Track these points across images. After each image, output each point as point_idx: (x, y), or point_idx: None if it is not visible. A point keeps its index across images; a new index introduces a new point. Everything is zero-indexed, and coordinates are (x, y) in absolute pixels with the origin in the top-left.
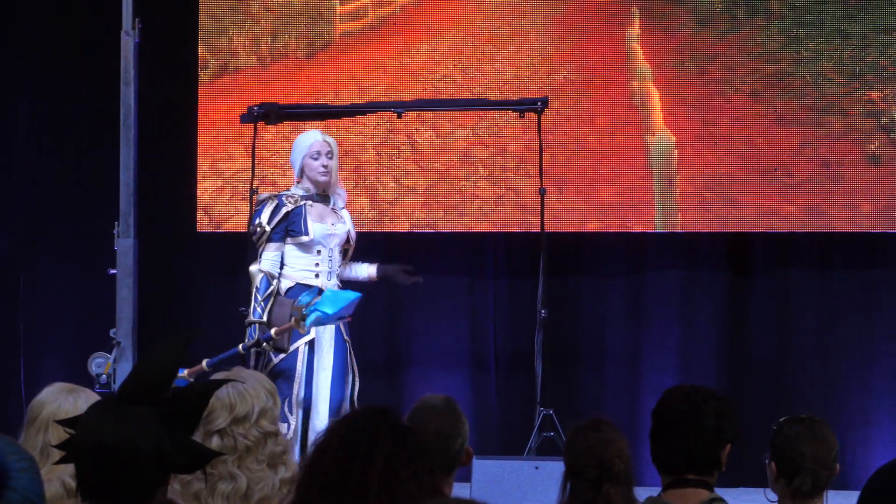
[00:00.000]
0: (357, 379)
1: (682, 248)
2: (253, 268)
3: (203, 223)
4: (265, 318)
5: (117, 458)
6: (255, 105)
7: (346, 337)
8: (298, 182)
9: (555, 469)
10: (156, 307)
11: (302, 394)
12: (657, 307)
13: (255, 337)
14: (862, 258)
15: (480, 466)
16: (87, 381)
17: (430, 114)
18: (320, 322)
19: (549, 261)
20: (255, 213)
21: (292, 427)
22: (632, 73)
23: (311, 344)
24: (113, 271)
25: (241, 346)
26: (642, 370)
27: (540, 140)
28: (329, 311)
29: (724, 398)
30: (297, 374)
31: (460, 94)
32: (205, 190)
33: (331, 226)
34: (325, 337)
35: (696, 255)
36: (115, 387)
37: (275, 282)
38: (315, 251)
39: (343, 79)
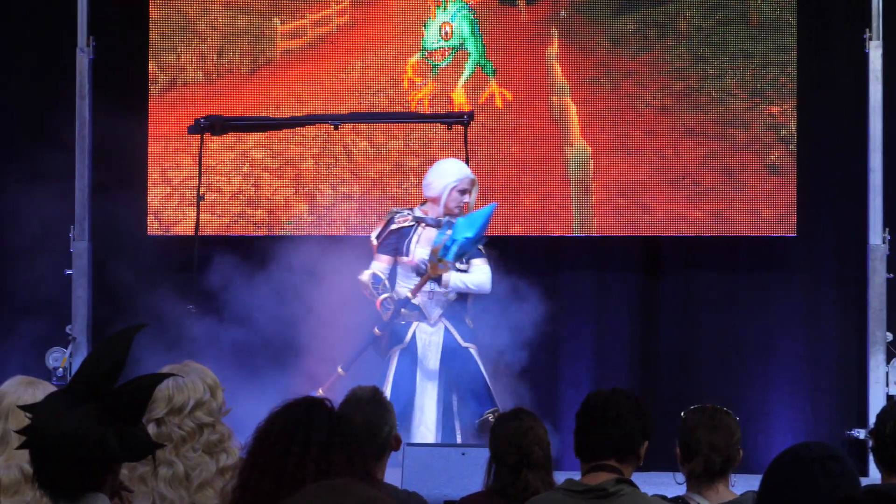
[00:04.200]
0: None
1: (597, 250)
2: (362, 275)
3: (153, 227)
4: (389, 294)
5: (64, 449)
6: (202, 117)
7: (463, 343)
8: (427, 202)
9: (480, 455)
10: (108, 305)
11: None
12: (574, 305)
13: (391, 308)
14: (762, 260)
15: (411, 453)
16: (45, 374)
17: (364, 126)
18: (464, 249)
19: None
20: None
21: None
22: (551, 89)
23: (406, 350)
24: (69, 272)
25: (375, 328)
26: (560, 363)
27: (466, 151)
28: (469, 234)
29: (637, 404)
30: (385, 379)
31: (393, 107)
32: (155, 196)
33: None
34: (431, 343)
35: (609, 257)
36: None
37: (383, 276)
38: (416, 273)
39: (284, 93)
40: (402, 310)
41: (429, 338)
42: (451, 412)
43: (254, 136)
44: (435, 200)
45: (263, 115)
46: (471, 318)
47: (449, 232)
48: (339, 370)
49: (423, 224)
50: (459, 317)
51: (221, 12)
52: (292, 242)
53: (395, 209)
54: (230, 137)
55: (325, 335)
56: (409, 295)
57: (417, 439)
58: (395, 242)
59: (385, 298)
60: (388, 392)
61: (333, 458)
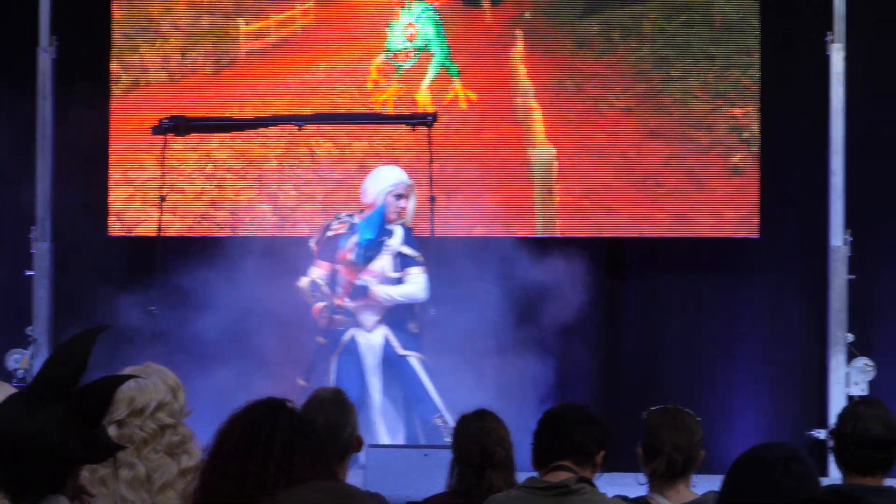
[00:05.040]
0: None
1: (560, 251)
2: (300, 281)
3: (115, 228)
4: (327, 301)
5: (26, 450)
6: (165, 118)
7: (401, 351)
8: (365, 209)
9: (442, 456)
10: (69, 306)
11: None
12: (538, 306)
13: (326, 315)
14: (725, 261)
15: (373, 454)
16: (5, 375)
17: (328, 127)
18: (370, 249)
19: (439, 263)
20: None
21: None
22: (515, 91)
23: (345, 354)
24: (30, 273)
25: (318, 337)
26: (524, 364)
27: (430, 152)
28: (370, 235)
29: (593, 415)
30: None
31: (357, 108)
32: (117, 197)
33: None
34: (371, 347)
35: (573, 258)
36: None
37: (322, 282)
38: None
39: (247, 93)
40: (337, 316)
41: (368, 342)
42: (399, 415)
43: (217, 137)
44: (372, 206)
45: (227, 115)
46: (418, 323)
47: (354, 237)
48: (300, 381)
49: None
50: (401, 323)
51: (185, 12)
52: (256, 243)
53: (338, 214)
54: (193, 138)
55: (288, 335)
56: (338, 301)
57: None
58: (333, 248)
59: (321, 308)
60: None
61: (296, 459)
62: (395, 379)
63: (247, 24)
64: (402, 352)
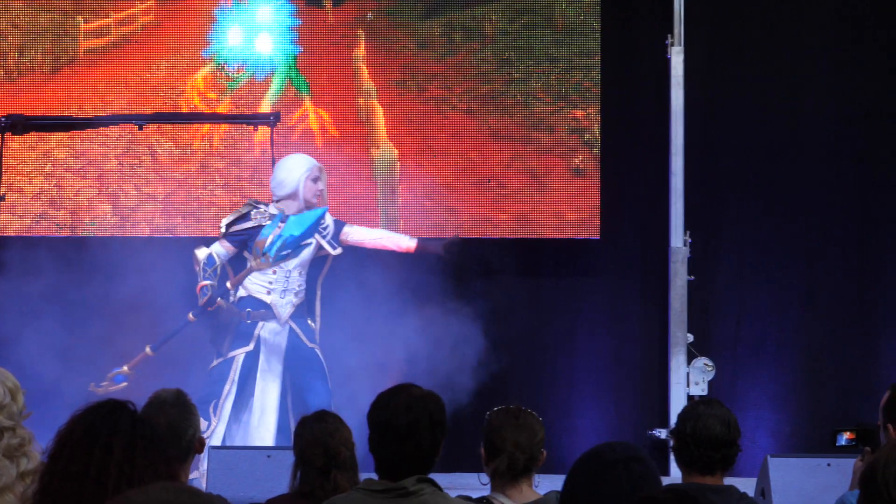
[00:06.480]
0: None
1: (403, 252)
2: (199, 250)
3: None
4: (214, 283)
5: None
6: (3, 116)
7: (309, 343)
8: (280, 201)
9: (286, 458)
10: None
11: (232, 399)
12: (379, 307)
13: (208, 293)
14: (566, 262)
15: (216, 455)
16: None
17: (169, 126)
18: (288, 247)
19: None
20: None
21: (212, 427)
22: (358, 91)
23: (252, 354)
24: None
25: (190, 313)
26: (366, 364)
27: (272, 152)
28: (296, 232)
29: (434, 396)
30: (228, 380)
31: (198, 108)
32: None
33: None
34: (276, 344)
35: (416, 260)
36: None
37: (219, 260)
38: (270, 270)
39: (87, 92)
40: (220, 300)
41: (273, 338)
42: (287, 413)
43: (56, 136)
44: (293, 196)
45: (66, 114)
46: (315, 319)
47: (281, 225)
48: (147, 350)
49: (281, 223)
50: (304, 318)
51: (23, 10)
52: (95, 243)
53: (252, 201)
54: (32, 137)
55: (126, 336)
56: (229, 286)
57: (257, 441)
58: (247, 237)
59: (205, 285)
60: (232, 392)
61: (136, 461)
62: (299, 372)
63: (86, 22)
64: (310, 344)
